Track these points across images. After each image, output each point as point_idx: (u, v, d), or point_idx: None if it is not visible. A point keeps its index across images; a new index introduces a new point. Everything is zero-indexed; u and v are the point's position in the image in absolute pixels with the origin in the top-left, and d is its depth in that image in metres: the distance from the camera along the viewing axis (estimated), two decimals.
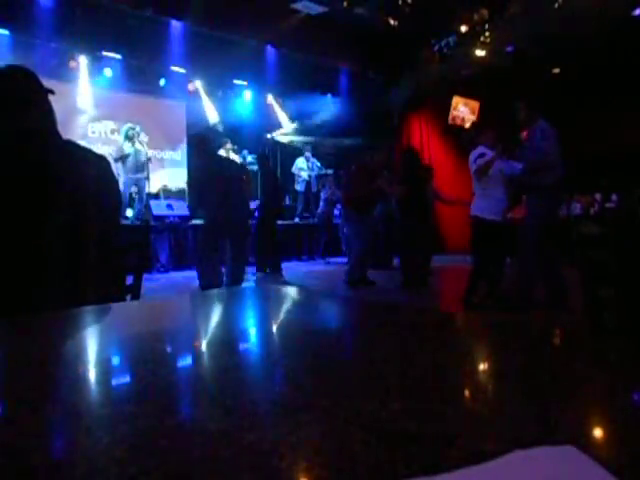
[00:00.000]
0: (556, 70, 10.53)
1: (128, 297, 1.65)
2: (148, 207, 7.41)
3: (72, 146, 1.43)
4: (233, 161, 4.87)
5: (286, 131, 10.92)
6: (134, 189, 7.73)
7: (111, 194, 1.49)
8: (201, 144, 4.48)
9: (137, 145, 7.71)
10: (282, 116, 10.84)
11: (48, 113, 1.41)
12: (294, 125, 10.94)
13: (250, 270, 6.98)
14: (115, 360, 0.63)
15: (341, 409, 0.41)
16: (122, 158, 7.53)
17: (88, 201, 1.34)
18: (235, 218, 4.44)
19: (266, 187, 6.75)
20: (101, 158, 1.47)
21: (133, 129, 7.73)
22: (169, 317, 0.93)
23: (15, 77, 1.41)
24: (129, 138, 7.64)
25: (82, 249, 1.32)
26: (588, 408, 0.44)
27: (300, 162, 9.71)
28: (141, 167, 7.66)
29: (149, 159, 7.85)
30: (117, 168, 7.55)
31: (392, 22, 8.88)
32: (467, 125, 11.03)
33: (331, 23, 9.33)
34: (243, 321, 0.88)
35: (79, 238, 1.32)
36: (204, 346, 0.71)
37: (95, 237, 1.34)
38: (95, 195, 1.36)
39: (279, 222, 8.94)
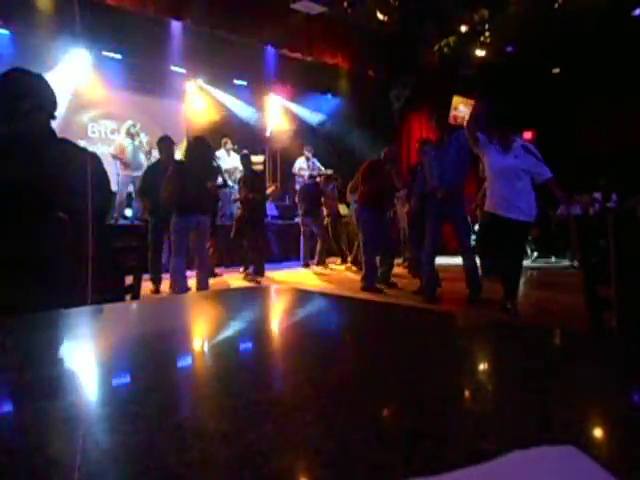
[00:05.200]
0: (556, 70, 10.54)
1: (127, 297, 1.65)
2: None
3: (64, 143, 1.43)
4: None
5: (286, 131, 10.91)
6: (132, 188, 7.68)
7: (102, 190, 1.48)
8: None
9: (137, 143, 7.68)
10: (282, 116, 10.84)
11: (42, 111, 1.41)
12: (294, 125, 10.94)
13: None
14: (115, 360, 0.63)
15: (341, 409, 0.41)
16: (120, 157, 7.49)
17: (79, 197, 1.34)
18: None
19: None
20: (91, 155, 1.47)
21: (134, 127, 7.71)
22: (169, 317, 0.92)
23: (11, 76, 1.41)
24: (130, 135, 7.62)
25: (78, 245, 1.32)
26: (588, 408, 0.44)
27: (300, 162, 9.70)
28: (140, 166, 7.62)
29: (149, 158, 7.80)
30: (116, 166, 7.51)
31: (383, 18, 8.85)
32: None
33: (331, 23, 9.33)
34: (242, 321, 0.88)
35: (74, 234, 1.32)
36: (203, 346, 0.71)
37: (89, 233, 1.34)
38: (85, 191, 1.36)
39: (280, 222, 8.97)
